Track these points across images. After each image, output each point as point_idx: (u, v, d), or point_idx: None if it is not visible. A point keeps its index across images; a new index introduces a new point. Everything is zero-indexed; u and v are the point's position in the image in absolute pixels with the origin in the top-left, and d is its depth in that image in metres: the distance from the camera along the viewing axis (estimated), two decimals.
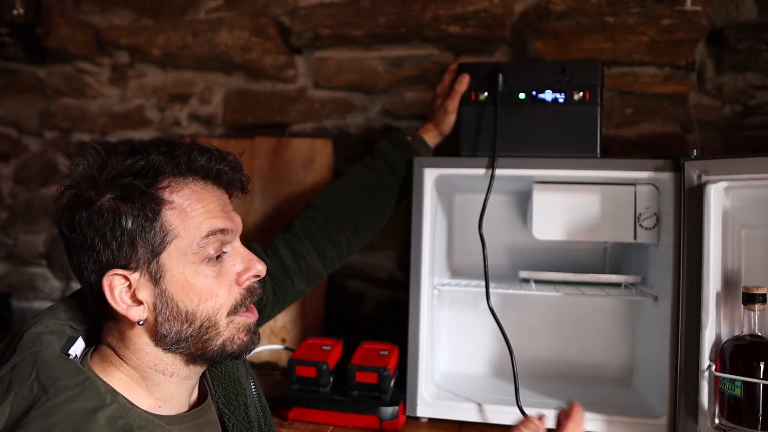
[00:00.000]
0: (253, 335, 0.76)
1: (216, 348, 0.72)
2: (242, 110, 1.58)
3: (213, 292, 0.71)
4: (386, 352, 1.15)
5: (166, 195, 0.69)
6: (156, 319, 0.69)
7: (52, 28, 1.59)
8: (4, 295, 1.68)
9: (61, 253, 1.73)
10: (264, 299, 1.03)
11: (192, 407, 0.78)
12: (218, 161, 0.74)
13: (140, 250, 0.67)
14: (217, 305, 0.71)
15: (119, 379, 0.71)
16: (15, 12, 1.49)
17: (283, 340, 1.41)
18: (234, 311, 0.73)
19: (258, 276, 0.76)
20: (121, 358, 0.72)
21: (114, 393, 0.66)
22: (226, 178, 0.75)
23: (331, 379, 1.13)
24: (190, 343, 0.71)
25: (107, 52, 1.66)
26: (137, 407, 0.69)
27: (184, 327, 0.70)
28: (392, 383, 1.13)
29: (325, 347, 1.16)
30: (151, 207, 0.67)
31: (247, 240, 0.81)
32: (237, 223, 0.75)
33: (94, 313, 0.75)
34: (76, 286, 1.73)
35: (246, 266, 0.74)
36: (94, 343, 0.75)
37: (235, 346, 0.73)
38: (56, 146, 1.74)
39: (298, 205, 1.44)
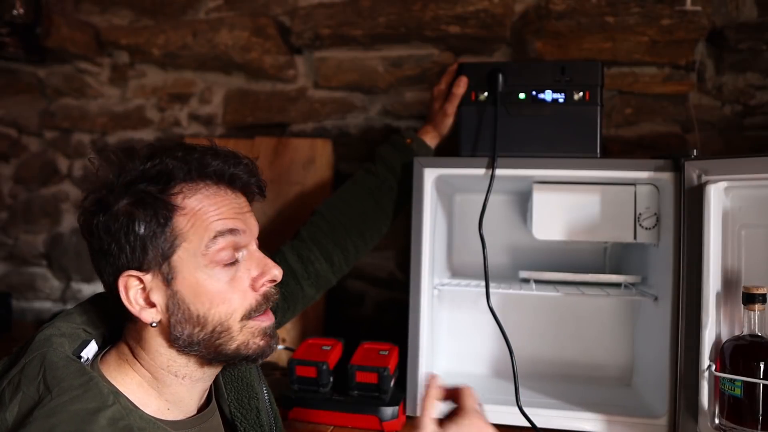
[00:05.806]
0: (271, 339, 0.75)
1: (230, 351, 0.72)
2: (242, 110, 1.58)
3: (225, 297, 0.70)
4: (386, 352, 1.15)
5: (179, 201, 0.69)
6: (169, 321, 0.70)
7: (52, 28, 1.59)
8: (4, 295, 1.68)
9: (61, 253, 1.73)
10: (275, 306, 1.03)
11: (199, 411, 0.78)
12: (233, 165, 0.73)
13: (150, 253, 0.68)
14: (229, 310, 0.70)
15: (132, 378, 0.71)
16: (15, 12, 1.49)
17: (283, 340, 1.41)
18: (248, 316, 0.72)
19: (274, 281, 0.75)
20: (135, 358, 0.72)
21: (117, 394, 0.66)
22: (241, 182, 0.74)
23: (331, 379, 1.13)
24: (203, 347, 0.70)
25: (107, 52, 1.66)
26: (140, 410, 0.69)
27: (196, 330, 0.69)
28: (392, 383, 1.13)
29: (325, 347, 1.16)
30: (163, 213, 0.68)
31: None
32: (250, 225, 0.74)
33: (112, 317, 0.76)
34: (76, 286, 1.73)
35: (262, 271, 0.73)
36: (110, 346, 0.75)
37: (250, 351, 0.73)
38: (56, 146, 1.74)
39: (298, 205, 1.44)
